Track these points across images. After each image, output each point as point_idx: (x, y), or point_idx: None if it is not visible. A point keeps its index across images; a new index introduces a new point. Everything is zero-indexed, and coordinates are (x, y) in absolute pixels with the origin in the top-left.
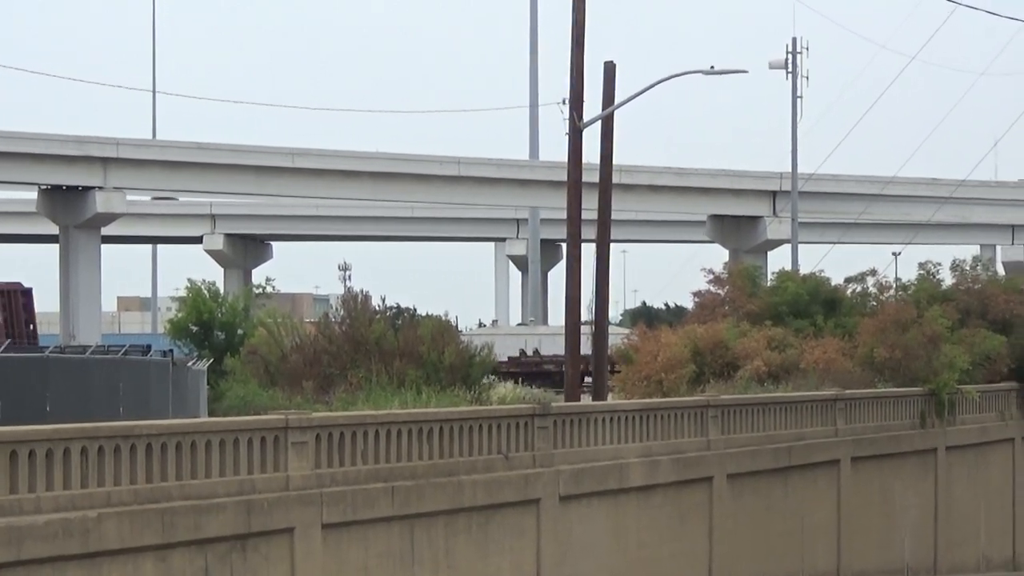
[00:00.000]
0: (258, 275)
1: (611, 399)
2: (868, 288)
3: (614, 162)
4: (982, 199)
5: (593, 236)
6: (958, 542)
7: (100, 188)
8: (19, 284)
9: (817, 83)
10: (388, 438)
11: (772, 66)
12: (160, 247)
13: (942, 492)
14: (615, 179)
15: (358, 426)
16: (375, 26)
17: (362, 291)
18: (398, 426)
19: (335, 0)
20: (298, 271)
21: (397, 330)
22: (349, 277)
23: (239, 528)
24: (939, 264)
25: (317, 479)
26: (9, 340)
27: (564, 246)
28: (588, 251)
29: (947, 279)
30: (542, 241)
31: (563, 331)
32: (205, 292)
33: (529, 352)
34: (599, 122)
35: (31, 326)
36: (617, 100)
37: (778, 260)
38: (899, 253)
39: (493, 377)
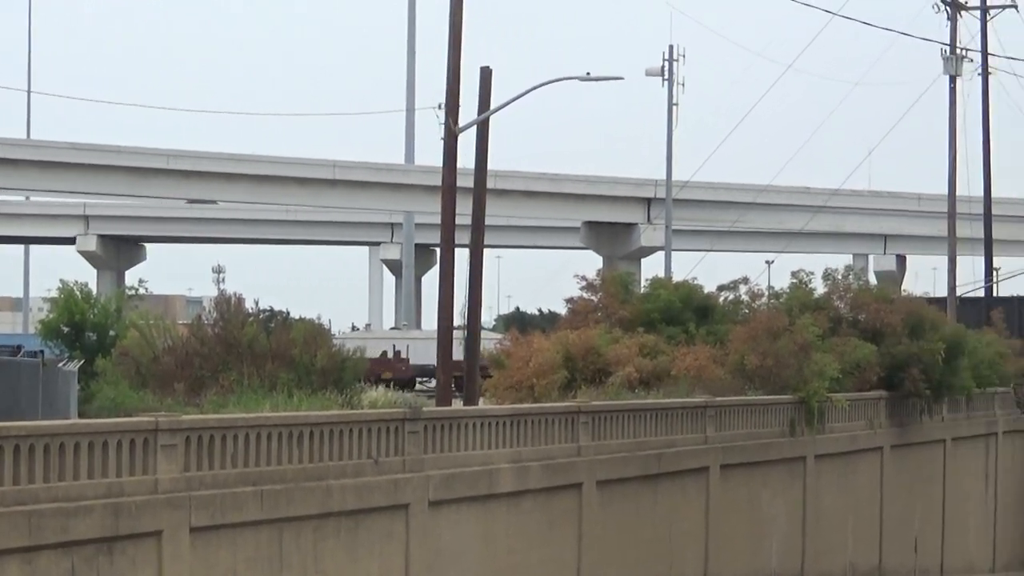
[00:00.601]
0: (131, 276)
1: (483, 404)
2: (740, 296)
3: (490, 167)
4: (855, 208)
5: (467, 241)
6: (826, 550)
7: None
8: None
9: (693, 91)
10: (258, 441)
11: (648, 73)
12: (33, 247)
13: (811, 500)
14: (490, 184)
15: (228, 429)
16: (253, 28)
17: (235, 294)
18: (268, 429)
19: (215, 2)
20: (172, 273)
21: (270, 333)
22: (223, 279)
23: (106, 531)
24: (812, 273)
25: (186, 482)
26: None
27: (438, 251)
28: (462, 256)
29: (819, 288)
30: (417, 245)
31: (436, 335)
32: (77, 293)
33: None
34: (475, 127)
35: None
36: (493, 105)
37: (652, 267)
38: (772, 261)
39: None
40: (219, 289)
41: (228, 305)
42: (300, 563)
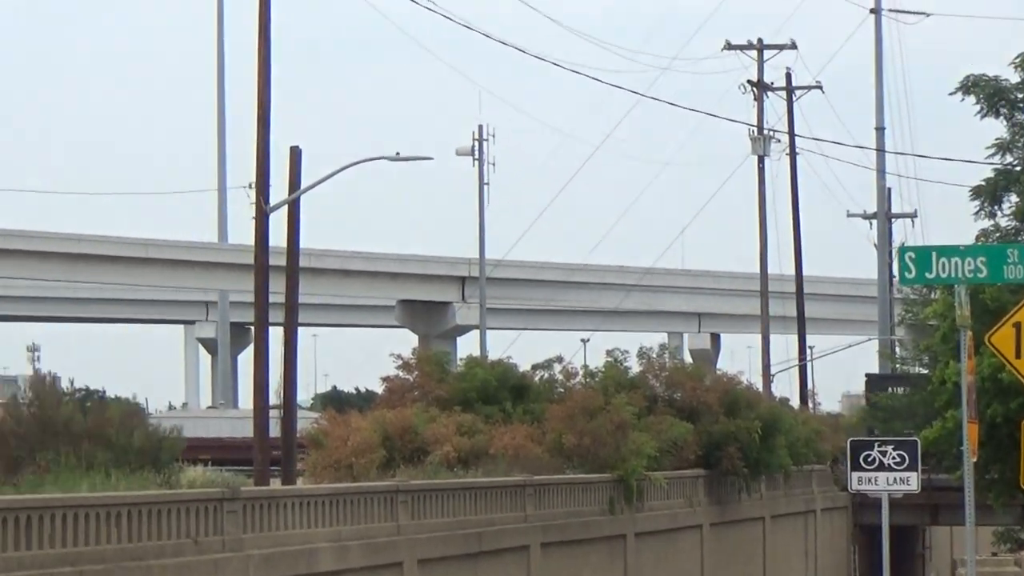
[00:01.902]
0: None
1: (301, 483)
2: (555, 375)
3: (303, 246)
4: (669, 287)
5: (282, 320)
6: None
7: None
8: None
9: (506, 170)
10: (76, 522)
11: (459, 152)
12: None
13: None
14: (305, 263)
15: (45, 509)
16: (65, 105)
17: (50, 373)
18: (86, 509)
19: (21, 77)
20: None
21: (86, 413)
22: (38, 358)
23: None
24: (627, 351)
25: (3, 563)
26: None
27: (253, 329)
28: (277, 334)
29: (634, 366)
30: (232, 324)
31: (252, 415)
32: None
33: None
34: (286, 206)
35: None
36: (303, 184)
37: (468, 346)
38: (588, 340)
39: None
40: (34, 368)
41: (43, 384)
42: None
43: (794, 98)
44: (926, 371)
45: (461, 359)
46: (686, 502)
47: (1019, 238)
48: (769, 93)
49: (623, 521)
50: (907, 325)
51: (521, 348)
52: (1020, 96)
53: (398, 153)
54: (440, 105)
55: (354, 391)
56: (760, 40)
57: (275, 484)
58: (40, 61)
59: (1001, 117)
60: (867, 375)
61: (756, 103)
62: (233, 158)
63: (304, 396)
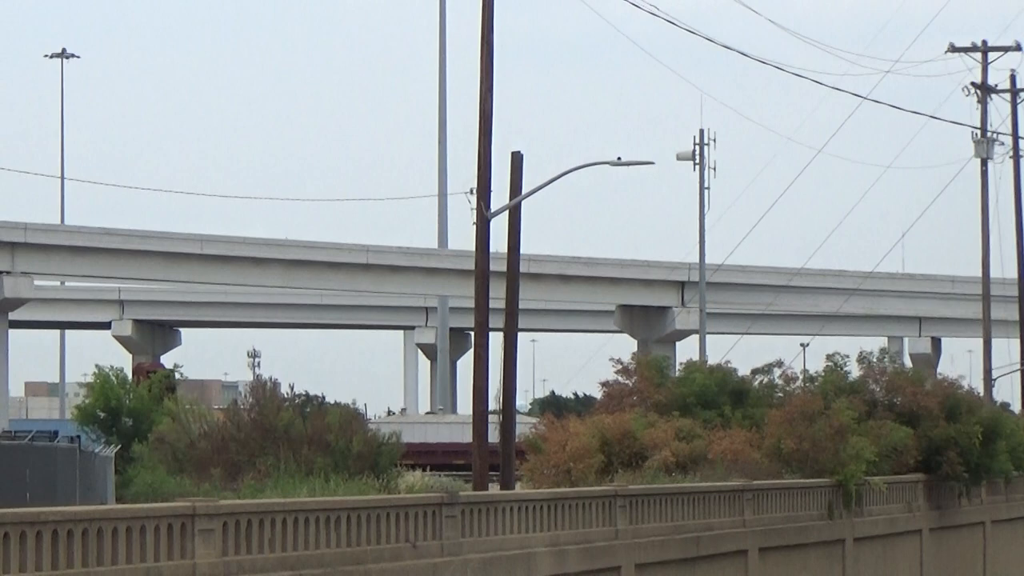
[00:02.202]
0: (167, 361)
1: (519, 488)
2: (775, 379)
3: (523, 251)
4: (889, 291)
5: (502, 325)
6: None
7: (7, 273)
8: (159, 364)
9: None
10: (296, 526)
11: (680, 157)
12: (68, 332)
13: None
14: (524, 268)
15: (266, 514)
16: (286, 113)
17: (271, 378)
18: (306, 514)
19: (244, 86)
20: (207, 358)
21: (305, 418)
22: (258, 364)
23: None
24: (847, 356)
25: (224, 567)
26: None
27: (473, 334)
28: (497, 340)
29: (854, 371)
30: (451, 330)
31: (471, 420)
32: (113, 378)
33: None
34: (507, 211)
35: None
36: (525, 190)
37: (686, 350)
38: (807, 344)
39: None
40: (254, 374)
41: (264, 390)
42: None
43: (1018, 100)
44: None
45: (680, 364)
46: (905, 507)
47: None
48: (993, 95)
49: (842, 526)
50: None
51: (740, 353)
52: None
53: (619, 158)
54: (661, 110)
55: (572, 396)
56: (984, 42)
57: (494, 489)
58: (263, 70)
59: None
60: None
61: (979, 105)
62: (454, 164)
63: (523, 401)
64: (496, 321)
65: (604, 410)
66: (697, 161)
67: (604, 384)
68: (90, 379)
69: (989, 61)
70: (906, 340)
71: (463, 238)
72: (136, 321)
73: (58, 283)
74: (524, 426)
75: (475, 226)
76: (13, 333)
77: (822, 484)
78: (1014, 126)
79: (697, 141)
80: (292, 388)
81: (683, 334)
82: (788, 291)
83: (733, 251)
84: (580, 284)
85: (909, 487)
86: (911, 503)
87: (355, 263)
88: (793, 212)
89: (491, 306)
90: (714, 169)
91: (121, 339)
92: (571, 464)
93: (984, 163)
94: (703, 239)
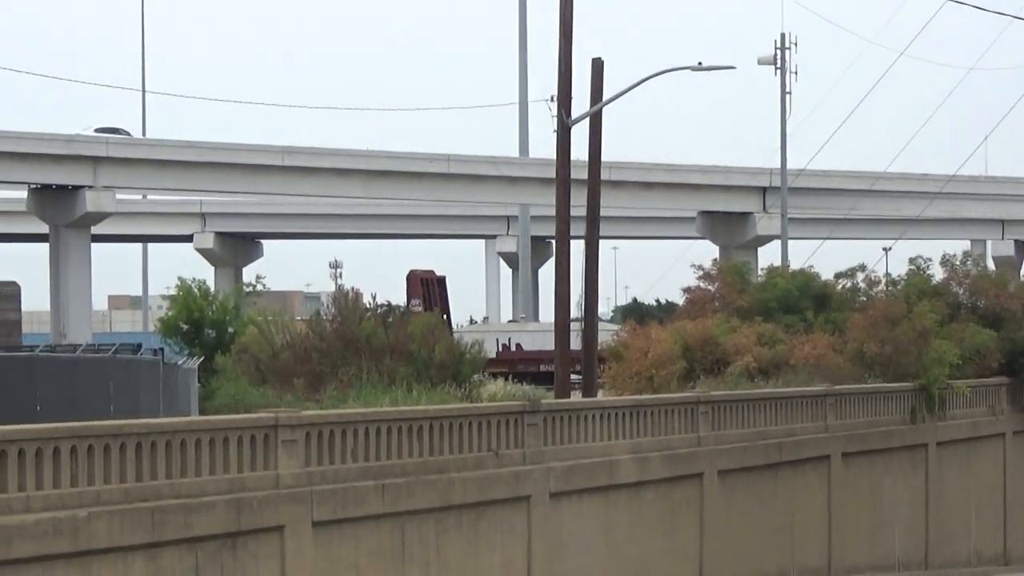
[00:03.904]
0: (249, 273)
1: (601, 396)
2: (858, 283)
3: (604, 159)
4: (972, 194)
5: (583, 233)
6: (949, 537)
7: (90, 187)
8: (433, 272)
9: (806, 78)
10: (378, 436)
11: (761, 62)
12: (150, 246)
13: (933, 487)
14: (605, 176)
15: (348, 424)
16: (364, 23)
17: (352, 288)
18: (388, 424)
19: None
20: (289, 269)
21: (388, 328)
22: (340, 275)
23: (229, 526)
24: (929, 259)
25: (307, 477)
26: None
27: (554, 243)
28: (578, 248)
29: (937, 274)
30: (532, 238)
31: (553, 328)
32: (196, 290)
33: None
34: (588, 119)
35: (446, 316)
36: (605, 96)
37: (768, 256)
38: (889, 248)
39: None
40: (336, 285)
41: (346, 300)
42: (422, 556)
43: None
44: None
45: (762, 269)
46: (988, 410)
47: None
48: None
49: (924, 430)
50: None
51: (822, 257)
52: None
53: (700, 63)
54: (741, 13)
55: (654, 303)
56: None
57: (575, 397)
58: None
59: None
60: None
61: None
62: (534, 71)
63: (604, 309)
64: (577, 229)
65: (686, 316)
66: (778, 66)
67: (686, 290)
68: (173, 292)
69: None
70: (989, 243)
71: (544, 146)
72: (218, 234)
73: (140, 197)
74: (606, 334)
75: (556, 134)
76: (96, 247)
77: (905, 388)
78: None
79: (778, 45)
80: (374, 298)
81: (764, 240)
82: (870, 195)
83: (815, 156)
84: (661, 191)
85: (992, 390)
86: (994, 406)
87: (437, 172)
88: (875, 116)
89: (572, 214)
90: (795, 73)
91: (203, 251)
92: (653, 371)
93: None
94: (784, 144)
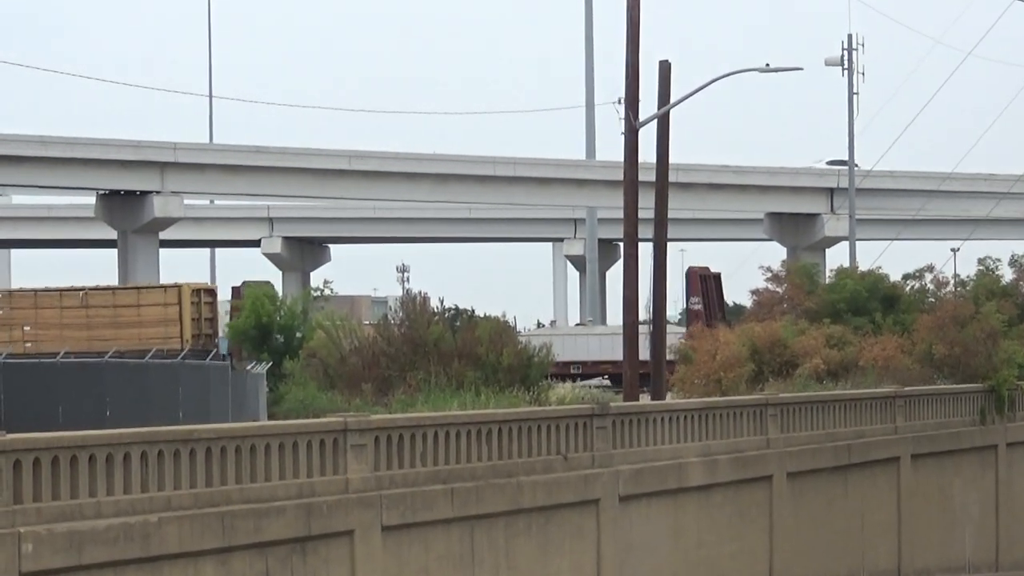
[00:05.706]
0: (316, 278)
1: (670, 398)
2: (926, 284)
3: (671, 161)
4: None
5: (650, 235)
6: (1020, 538)
7: (158, 192)
8: (709, 269)
9: (873, 79)
10: (447, 439)
11: (828, 63)
12: (218, 251)
13: (1003, 489)
14: (672, 178)
15: (417, 428)
16: (431, 27)
17: (420, 292)
18: (457, 427)
19: (389, 2)
20: (356, 273)
21: (455, 331)
22: (407, 279)
23: (299, 531)
24: (998, 260)
25: (376, 481)
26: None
27: (621, 245)
28: (646, 250)
29: (1007, 275)
30: (600, 241)
31: (621, 331)
32: (264, 296)
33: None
34: (655, 121)
35: (722, 312)
36: (672, 99)
37: (836, 257)
38: (958, 249)
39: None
40: (404, 289)
41: (414, 304)
42: (492, 560)
43: None
44: None
45: (831, 270)
46: None
47: None
48: None
49: (994, 431)
50: None
51: (890, 258)
52: None
53: (768, 64)
54: (807, 15)
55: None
56: None
57: (644, 399)
58: None
59: None
60: None
61: None
62: (601, 74)
63: (672, 311)
64: (645, 231)
65: (754, 318)
66: (845, 67)
67: (754, 292)
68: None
69: None
70: None
71: (610, 149)
72: (285, 238)
73: (207, 202)
74: (674, 336)
75: (624, 136)
76: (164, 252)
77: (974, 389)
78: None
79: (845, 46)
80: (442, 302)
81: (832, 241)
82: (938, 196)
83: (882, 156)
84: (729, 192)
85: None
86: None
87: (504, 176)
88: (942, 116)
89: (640, 216)
90: (862, 74)
91: (271, 256)
92: (721, 373)
93: None
94: (852, 145)
